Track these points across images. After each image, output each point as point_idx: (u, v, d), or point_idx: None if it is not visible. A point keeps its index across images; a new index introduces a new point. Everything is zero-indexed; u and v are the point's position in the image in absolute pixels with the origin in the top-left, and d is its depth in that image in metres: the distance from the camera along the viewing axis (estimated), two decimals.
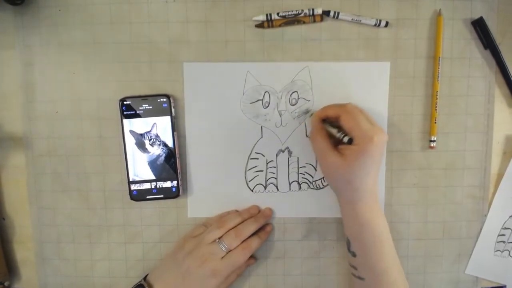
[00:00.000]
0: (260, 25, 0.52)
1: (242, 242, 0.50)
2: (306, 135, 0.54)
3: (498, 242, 0.56)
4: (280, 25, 0.52)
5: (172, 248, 0.53)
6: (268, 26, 0.52)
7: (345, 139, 0.46)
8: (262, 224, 0.53)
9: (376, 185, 0.47)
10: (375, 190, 0.47)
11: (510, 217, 0.55)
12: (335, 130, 0.48)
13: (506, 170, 0.55)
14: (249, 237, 0.51)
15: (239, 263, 0.50)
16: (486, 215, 0.55)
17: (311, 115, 0.52)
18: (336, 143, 0.48)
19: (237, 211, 0.55)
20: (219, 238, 0.49)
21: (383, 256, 0.46)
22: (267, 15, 0.51)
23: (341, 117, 0.46)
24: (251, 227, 0.51)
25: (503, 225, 0.55)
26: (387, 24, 0.52)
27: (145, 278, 0.51)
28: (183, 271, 0.48)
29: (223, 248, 0.49)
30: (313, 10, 0.52)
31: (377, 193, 0.48)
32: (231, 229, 0.50)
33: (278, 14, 0.52)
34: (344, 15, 0.52)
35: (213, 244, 0.49)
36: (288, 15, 0.51)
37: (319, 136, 0.48)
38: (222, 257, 0.49)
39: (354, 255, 0.48)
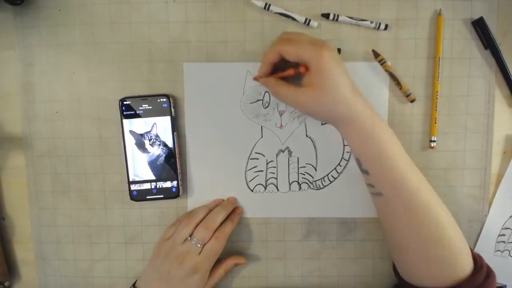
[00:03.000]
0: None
1: (215, 231, 0.50)
2: (306, 135, 0.54)
3: (498, 242, 0.56)
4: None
5: (151, 254, 0.52)
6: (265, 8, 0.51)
7: (299, 69, 0.45)
8: (230, 210, 0.53)
9: (359, 93, 0.45)
10: (363, 99, 0.44)
11: (510, 217, 0.55)
12: (288, 72, 0.47)
13: (506, 170, 0.55)
14: (221, 224, 0.51)
15: (217, 252, 0.50)
16: (486, 215, 0.55)
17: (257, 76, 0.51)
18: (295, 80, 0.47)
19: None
20: (190, 236, 0.49)
21: (395, 164, 0.43)
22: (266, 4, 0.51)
23: (282, 54, 0.44)
24: (220, 215, 0.51)
25: (504, 225, 0.55)
26: (386, 27, 0.52)
27: (134, 284, 0.51)
28: (164, 275, 0.48)
29: (198, 245, 0.48)
30: (309, 20, 0.52)
31: (367, 101, 0.45)
32: (199, 223, 0.50)
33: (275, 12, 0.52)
34: (343, 18, 0.52)
35: (186, 243, 0.49)
36: (285, 13, 0.51)
37: (281, 87, 0.46)
38: (199, 253, 0.48)
39: (367, 172, 0.45)
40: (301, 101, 0.44)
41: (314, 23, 0.52)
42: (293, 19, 0.51)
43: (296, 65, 0.45)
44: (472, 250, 0.46)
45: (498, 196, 0.55)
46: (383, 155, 0.44)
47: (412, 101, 0.53)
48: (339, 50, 0.52)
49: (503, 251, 0.56)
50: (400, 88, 0.53)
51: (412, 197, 0.44)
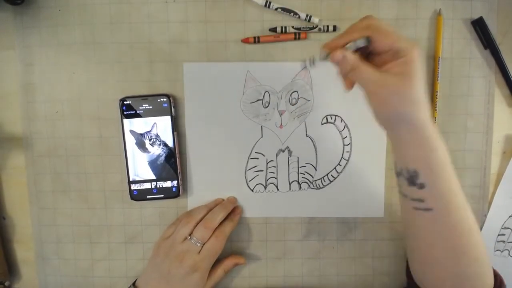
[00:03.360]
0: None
1: (215, 230, 0.50)
2: (306, 134, 0.54)
3: (498, 241, 0.56)
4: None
5: (151, 253, 0.52)
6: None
7: (362, 41, 0.39)
8: (229, 209, 0.53)
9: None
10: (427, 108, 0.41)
11: (510, 216, 0.55)
12: (358, 44, 0.40)
13: (505, 170, 0.55)
14: (221, 223, 0.51)
15: (217, 251, 0.50)
16: (486, 215, 0.55)
17: (327, 55, 0.41)
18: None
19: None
20: (189, 235, 0.49)
21: (452, 179, 0.41)
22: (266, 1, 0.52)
23: (374, 33, 0.39)
24: (219, 214, 0.51)
25: (503, 224, 0.55)
26: (335, 28, 0.52)
27: (134, 283, 0.51)
28: (164, 274, 0.48)
29: (197, 244, 0.49)
30: (310, 16, 0.52)
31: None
32: (199, 222, 0.50)
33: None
34: (292, 29, 0.52)
35: (186, 242, 0.49)
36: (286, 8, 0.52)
37: (363, 66, 0.40)
38: (199, 252, 0.48)
39: (422, 186, 0.41)
40: (381, 86, 0.39)
41: (315, 19, 0.52)
42: (295, 14, 0.51)
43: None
44: (492, 267, 0.46)
45: (498, 196, 0.55)
46: (443, 166, 0.41)
47: None
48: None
49: (502, 251, 0.56)
50: None
51: (461, 214, 0.42)
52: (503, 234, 0.56)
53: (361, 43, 0.40)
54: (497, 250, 0.56)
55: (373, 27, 0.40)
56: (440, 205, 0.41)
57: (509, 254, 0.56)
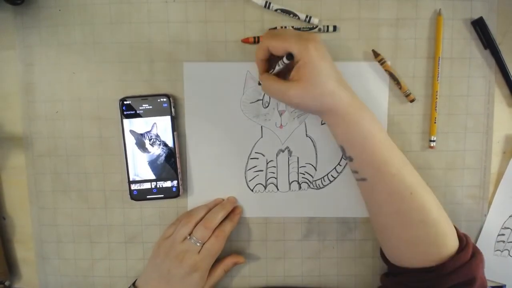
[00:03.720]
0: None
1: (215, 230, 0.50)
2: (306, 134, 0.54)
3: (497, 241, 0.56)
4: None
5: (151, 253, 0.52)
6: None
7: (284, 59, 0.45)
8: (229, 209, 0.53)
9: (345, 84, 0.45)
10: (345, 86, 0.45)
11: (510, 216, 0.55)
12: (276, 68, 0.47)
13: (505, 170, 0.55)
14: (221, 223, 0.51)
15: (217, 251, 0.50)
16: (486, 215, 0.55)
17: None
18: (284, 75, 0.48)
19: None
20: (189, 235, 0.49)
21: (378, 148, 0.45)
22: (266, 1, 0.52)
23: (270, 49, 0.45)
24: (219, 214, 0.51)
25: (503, 224, 0.55)
26: (335, 28, 0.52)
27: (134, 283, 0.51)
28: (164, 274, 0.48)
29: (197, 244, 0.49)
30: (310, 17, 0.52)
31: (352, 91, 0.46)
32: (199, 222, 0.50)
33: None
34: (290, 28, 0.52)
35: (186, 242, 0.49)
36: (286, 9, 0.52)
37: (270, 81, 0.47)
38: (199, 251, 0.49)
39: (350, 159, 0.47)
40: (290, 94, 0.45)
41: (315, 20, 0.52)
42: (294, 15, 0.51)
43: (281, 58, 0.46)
44: (458, 230, 0.47)
45: (498, 196, 0.55)
46: (366, 140, 0.45)
47: (412, 101, 0.53)
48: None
49: (502, 251, 0.56)
50: (400, 88, 0.53)
51: (395, 180, 0.44)
52: (503, 234, 0.56)
53: (282, 63, 0.46)
54: (497, 250, 0.56)
55: (266, 38, 0.45)
56: (371, 174, 0.45)
57: (509, 254, 0.56)
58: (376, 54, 0.52)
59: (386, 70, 0.52)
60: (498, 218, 0.55)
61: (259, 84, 0.53)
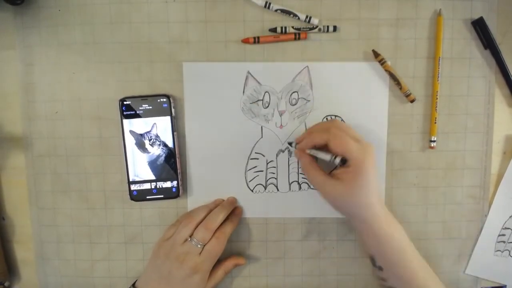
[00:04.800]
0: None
1: (215, 231, 0.50)
2: None
3: (498, 242, 0.56)
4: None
5: (151, 254, 0.52)
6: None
7: (337, 161, 0.46)
8: (229, 210, 0.53)
9: (380, 195, 0.47)
10: (381, 201, 0.47)
11: (510, 217, 0.55)
12: (325, 156, 0.47)
13: (506, 170, 0.55)
14: (221, 224, 0.51)
15: (218, 253, 0.50)
16: (486, 215, 0.55)
17: (296, 145, 0.52)
18: (329, 165, 0.48)
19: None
20: (190, 236, 0.49)
21: (408, 262, 0.46)
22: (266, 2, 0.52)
23: (329, 142, 0.46)
24: (219, 215, 0.51)
25: (504, 225, 0.55)
26: (335, 28, 0.52)
27: (134, 284, 0.51)
28: (165, 275, 0.48)
29: (198, 245, 0.48)
30: (310, 17, 0.52)
31: (383, 202, 0.47)
32: (199, 223, 0.50)
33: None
34: (292, 30, 0.52)
35: (186, 243, 0.49)
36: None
37: (311, 170, 0.48)
38: (200, 253, 0.49)
39: (381, 268, 0.47)
40: (327, 190, 0.46)
41: (315, 20, 0.52)
42: (294, 15, 0.51)
43: (334, 154, 0.46)
44: None
45: (498, 196, 0.55)
46: (398, 256, 0.46)
47: (412, 101, 0.53)
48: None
49: (503, 251, 0.56)
50: (400, 88, 0.53)
51: None
52: (504, 235, 0.56)
53: (324, 156, 0.47)
54: (498, 251, 0.56)
55: (330, 135, 0.46)
56: (400, 285, 0.47)
57: (509, 254, 0.56)
58: (376, 54, 0.52)
59: (386, 70, 0.52)
60: (499, 219, 0.55)
61: (289, 145, 0.54)
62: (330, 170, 0.48)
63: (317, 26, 0.52)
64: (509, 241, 0.56)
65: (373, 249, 0.47)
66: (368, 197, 0.45)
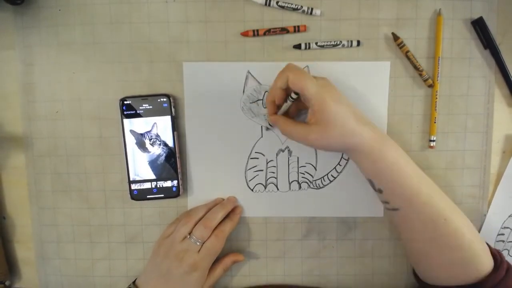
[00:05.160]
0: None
1: (214, 229, 0.50)
2: None
3: (497, 241, 0.56)
4: (264, 34, 0.52)
5: (151, 252, 0.52)
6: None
7: (293, 95, 0.46)
8: (229, 209, 0.53)
9: (365, 120, 0.46)
10: (364, 122, 0.46)
11: (509, 216, 0.55)
12: (287, 104, 0.48)
13: (505, 170, 0.55)
14: (221, 222, 0.51)
15: (217, 251, 0.50)
16: (485, 215, 0.55)
17: (267, 116, 0.52)
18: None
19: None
20: (189, 234, 0.49)
21: (408, 179, 0.45)
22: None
23: (288, 84, 0.46)
24: (219, 214, 0.51)
25: (503, 224, 0.56)
26: (358, 43, 0.52)
27: (134, 282, 0.51)
28: (164, 273, 0.49)
29: (197, 243, 0.49)
30: (311, 9, 0.52)
31: (373, 125, 0.46)
32: (199, 221, 0.50)
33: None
34: (315, 46, 0.52)
35: (185, 241, 0.49)
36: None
37: (288, 126, 0.48)
38: (199, 251, 0.49)
39: (380, 191, 0.47)
40: (311, 138, 0.46)
41: (317, 11, 0.52)
42: (295, 9, 0.51)
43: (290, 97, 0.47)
44: (491, 247, 0.47)
45: (497, 196, 0.55)
46: (394, 173, 0.45)
47: (430, 86, 0.53)
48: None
49: (502, 250, 0.56)
50: (420, 74, 0.52)
51: (427, 208, 0.45)
52: (503, 234, 0.56)
53: (290, 99, 0.47)
54: (503, 227, 0.56)
55: (290, 70, 0.46)
56: (402, 204, 0.46)
57: (508, 254, 0.56)
58: (396, 37, 0.52)
59: (405, 54, 0.52)
60: (498, 218, 0.56)
61: (270, 125, 0.54)
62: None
63: (341, 42, 0.52)
64: (508, 240, 0.56)
65: (368, 172, 0.47)
66: (345, 126, 0.44)
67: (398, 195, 0.46)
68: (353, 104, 0.47)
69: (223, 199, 0.55)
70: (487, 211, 0.55)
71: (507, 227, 0.56)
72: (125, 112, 0.52)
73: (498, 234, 0.56)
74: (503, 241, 0.56)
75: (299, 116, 0.53)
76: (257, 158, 0.55)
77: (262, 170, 0.55)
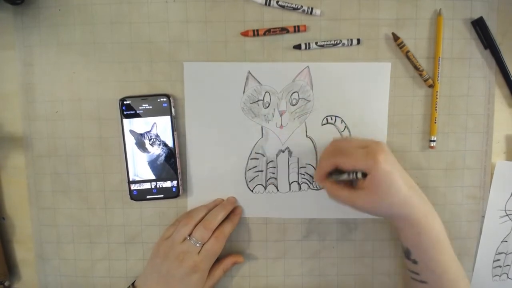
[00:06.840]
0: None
1: (214, 231, 0.50)
2: (306, 135, 0.54)
3: (494, 267, 0.56)
4: (264, 34, 0.52)
5: (151, 253, 0.52)
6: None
7: (359, 176, 0.45)
8: (229, 210, 0.53)
9: (414, 187, 0.45)
10: (416, 192, 0.45)
11: (502, 242, 0.55)
12: (344, 175, 0.47)
13: (489, 193, 0.54)
14: (221, 223, 0.51)
15: (216, 252, 0.50)
16: (483, 216, 0.55)
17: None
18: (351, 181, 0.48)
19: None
20: (189, 235, 0.49)
21: (443, 256, 0.46)
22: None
23: (338, 165, 0.46)
24: (219, 215, 0.51)
25: (496, 250, 0.55)
26: (359, 42, 0.52)
27: (133, 283, 0.51)
28: (164, 274, 0.48)
29: (197, 244, 0.49)
30: (311, 9, 0.52)
31: (420, 192, 0.46)
32: (199, 222, 0.50)
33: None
34: (315, 46, 0.52)
35: (185, 242, 0.49)
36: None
37: (335, 192, 0.47)
38: (199, 252, 0.49)
39: (415, 262, 0.47)
40: (358, 204, 0.45)
41: (317, 11, 0.52)
42: (295, 9, 0.51)
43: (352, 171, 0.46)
44: None
45: (487, 223, 0.55)
46: (435, 250, 0.45)
47: (430, 86, 0.53)
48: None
49: (501, 275, 0.56)
50: (420, 74, 0.52)
51: (451, 285, 0.46)
52: (498, 260, 0.56)
53: (345, 178, 0.46)
54: (495, 275, 0.56)
55: (333, 154, 0.46)
56: (432, 279, 0.47)
57: (507, 277, 0.56)
58: (396, 38, 0.52)
59: (405, 54, 0.52)
60: (491, 245, 0.55)
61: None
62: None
63: (341, 41, 0.52)
64: (505, 265, 0.56)
65: (410, 241, 0.47)
66: (397, 195, 0.43)
67: (432, 270, 0.46)
68: (402, 169, 0.45)
69: (223, 200, 0.55)
70: (485, 213, 0.55)
71: (502, 252, 0.55)
72: (124, 112, 0.52)
73: (494, 261, 0.55)
74: (500, 266, 0.56)
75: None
76: (257, 159, 0.55)
77: (262, 171, 0.55)
